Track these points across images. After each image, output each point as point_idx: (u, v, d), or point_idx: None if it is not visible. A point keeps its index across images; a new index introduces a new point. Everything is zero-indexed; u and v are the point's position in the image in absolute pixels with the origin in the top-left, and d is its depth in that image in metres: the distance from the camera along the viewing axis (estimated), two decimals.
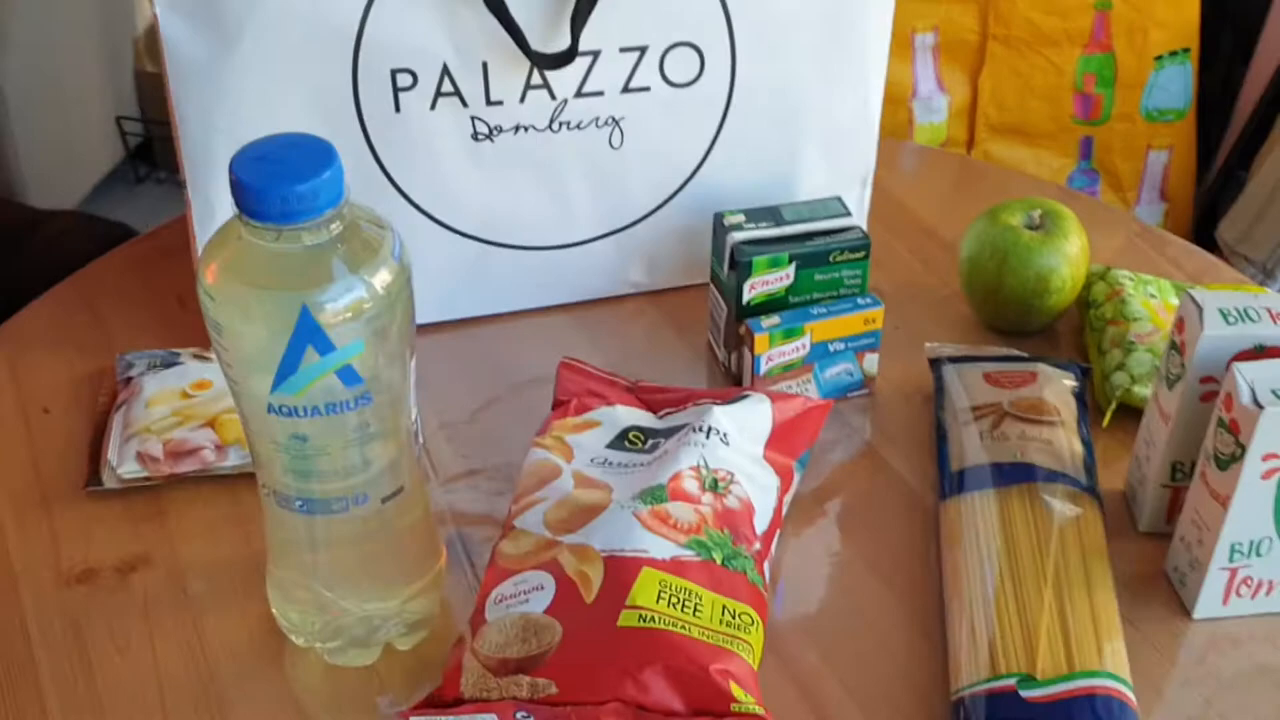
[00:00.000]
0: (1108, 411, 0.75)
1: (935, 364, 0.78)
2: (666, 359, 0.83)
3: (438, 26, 0.74)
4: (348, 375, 0.54)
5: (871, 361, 0.78)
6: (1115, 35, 1.12)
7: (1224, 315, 0.63)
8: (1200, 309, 0.63)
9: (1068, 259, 0.79)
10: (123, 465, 0.72)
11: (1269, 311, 0.63)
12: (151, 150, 2.22)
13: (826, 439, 0.76)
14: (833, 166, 0.85)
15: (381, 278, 0.54)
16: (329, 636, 0.62)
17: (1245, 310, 0.63)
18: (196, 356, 0.81)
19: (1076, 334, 0.84)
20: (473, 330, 0.85)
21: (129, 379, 0.79)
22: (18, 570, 0.69)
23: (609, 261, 0.85)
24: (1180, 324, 0.65)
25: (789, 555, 0.69)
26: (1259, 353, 0.63)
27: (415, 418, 0.61)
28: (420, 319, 0.79)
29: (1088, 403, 0.76)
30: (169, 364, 0.80)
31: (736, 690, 0.56)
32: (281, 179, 0.51)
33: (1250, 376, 0.60)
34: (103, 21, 2.01)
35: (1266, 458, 0.59)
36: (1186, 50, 1.15)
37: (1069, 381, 0.75)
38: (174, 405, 0.76)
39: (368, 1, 0.73)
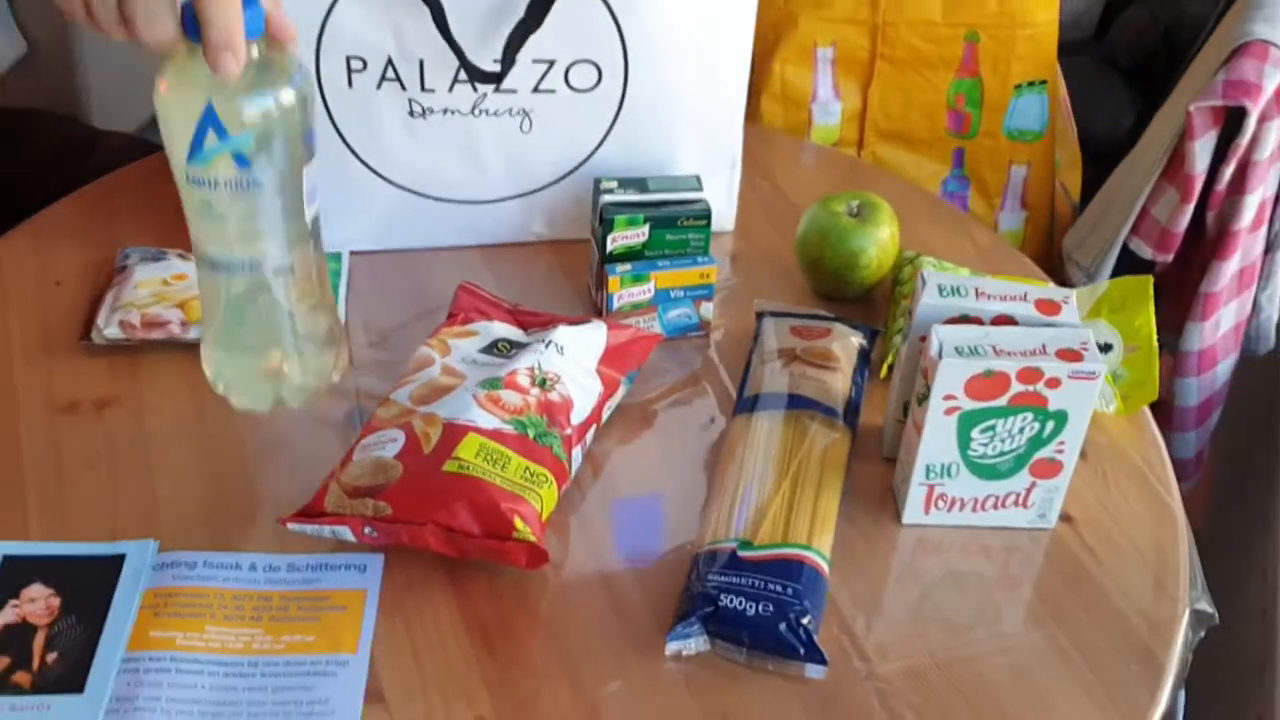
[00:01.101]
0: (884, 365, 0.93)
1: (760, 316, 0.97)
2: (555, 294, 1.03)
3: (384, 30, 0.95)
4: (240, 160, 0.74)
5: (707, 309, 0.97)
6: (982, 63, 1.30)
7: (940, 289, 0.82)
8: (925, 283, 0.82)
9: (877, 242, 0.98)
10: (108, 328, 0.93)
11: (976, 290, 0.82)
12: None
13: (661, 365, 0.95)
14: (705, 153, 1.05)
15: (284, 95, 0.74)
16: (236, 385, 0.84)
17: (958, 288, 0.82)
18: (180, 256, 1.01)
19: (888, 304, 1.02)
20: (402, 259, 1.05)
21: (124, 267, 1.00)
22: (19, 398, 0.90)
23: (515, 216, 1.05)
24: (916, 294, 0.83)
25: (609, 445, 0.89)
26: (962, 320, 0.81)
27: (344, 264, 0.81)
28: (359, 246, 1.02)
29: (871, 358, 0.94)
30: (157, 259, 1.01)
31: (519, 523, 0.75)
32: None
33: (943, 336, 0.78)
34: None
35: (946, 397, 0.78)
36: (1044, 82, 1.32)
37: (856, 339, 0.94)
38: (155, 289, 0.97)
39: (328, 7, 0.93)
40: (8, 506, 0.82)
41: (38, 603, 0.76)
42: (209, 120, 0.73)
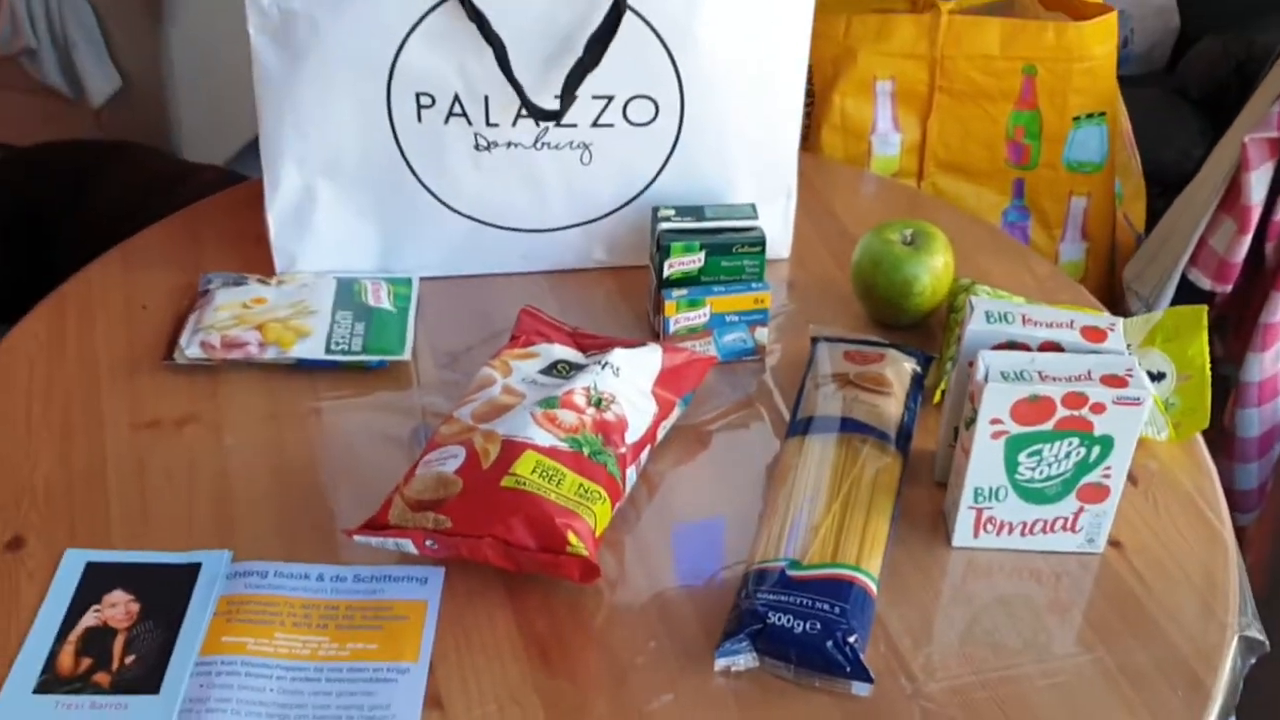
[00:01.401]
0: (937, 391, 0.95)
1: (814, 341, 0.99)
2: (615, 319, 1.06)
3: (451, 69, 0.99)
4: None
5: (762, 333, 0.99)
6: (1040, 96, 1.31)
7: (988, 316, 0.83)
8: (973, 309, 0.84)
9: (930, 270, 0.99)
10: (190, 348, 0.98)
11: (1023, 317, 0.83)
12: None
13: (716, 388, 0.98)
14: (760, 183, 1.07)
15: None
16: None
17: (1005, 314, 0.83)
18: (260, 281, 1.06)
19: (943, 331, 1.04)
20: (470, 284, 1.09)
21: (207, 291, 1.05)
22: (105, 415, 0.94)
23: (576, 244, 1.09)
24: (965, 320, 0.85)
25: (664, 465, 0.91)
26: (1009, 346, 0.82)
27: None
28: (427, 273, 1.06)
29: (925, 383, 0.96)
30: (238, 284, 1.05)
31: (573, 538, 0.78)
32: None
33: (989, 361, 0.80)
34: None
35: (993, 421, 0.79)
36: (1103, 114, 1.33)
37: (910, 365, 0.96)
38: (235, 312, 1.01)
39: (399, 46, 0.98)
40: (93, 517, 0.86)
41: (118, 608, 0.80)
42: None
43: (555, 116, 1.00)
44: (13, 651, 0.77)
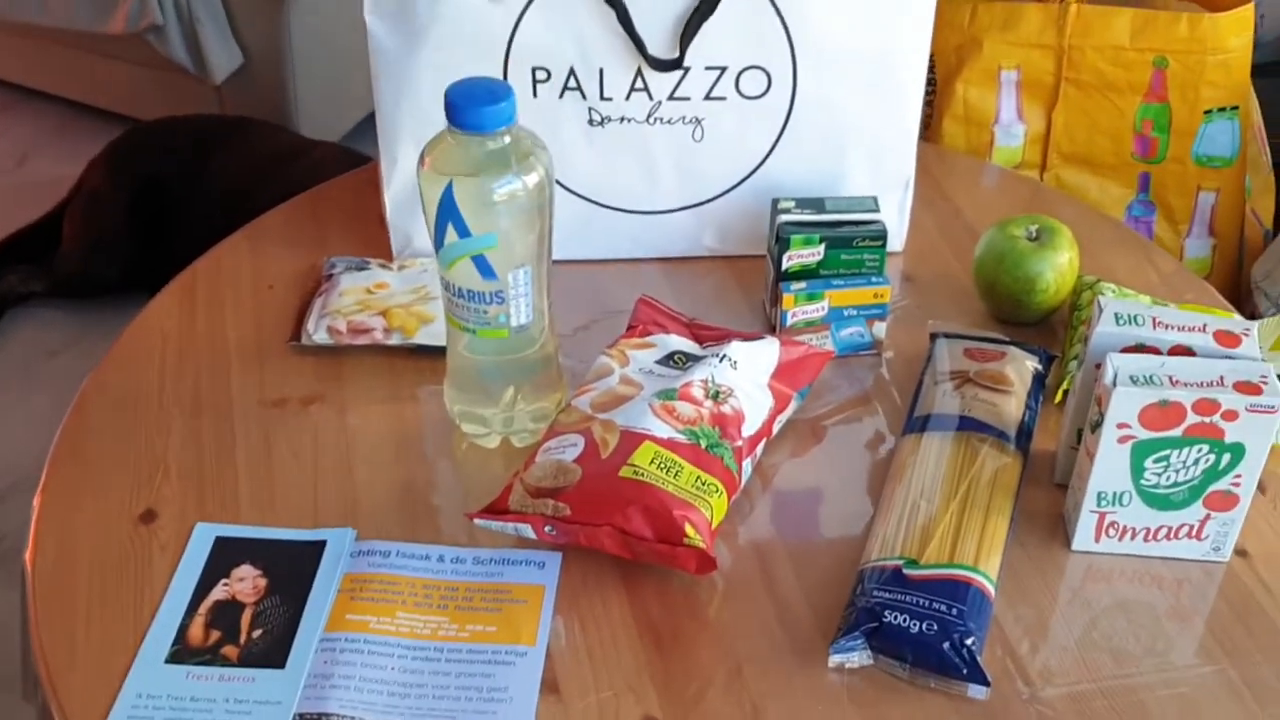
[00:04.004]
0: (1059, 390, 0.93)
1: (934, 337, 0.98)
2: (730, 309, 1.06)
3: (567, 40, 1.00)
4: (483, 266, 0.81)
5: (880, 328, 0.99)
6: (1171, 89, 1.27)
7: (1117, 318, 0.82)
8: (1101, 310, 0.82)
9: (1055, 267, 0.98)
10: (316, 333, 1.00)
11: (1153, 319, 0.81)
12: None
13: (833, 382, 0.97)
14: (875, 171, 1.07)
15: (532, 178, 0.81)
16: (476, 421, 0.91)
17: (1134, 316, 0.82)
18: (381, 265, 1.08)
19: (1066, 329, 1.02)
20: (582, 270, 1.09)
21: (331, 275, 1.07)
22: (234, 394, 0.97)
23: (688, 228, 1.09)
24: (1093, 322, 0.84)
25: (780, 458, 0.91)
26: (1138, 349, 0.81)
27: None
28: None
29: (1046, 382, 0.95)
30: (361, 268, 1.07)
31: (690, 530, 0.79)
32: (478, 102, 0.79)
33: (1117, 364, 0.78)
34: None
35: (1120, 425, 0.78)
36: (1235, 108, 1.28)
37: (1031, 364, 0.94)
38: (359, 297, 1.03)
39: (516, 20, 0.99)
40: (222, 492, 0.89)
41: (246, 582, 0.82)
42: (448, 208, 0.80)
43: (675, 65, 1.00)
44: (146, 622, 0.80)
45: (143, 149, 2.05)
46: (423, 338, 0.99)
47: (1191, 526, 0.82)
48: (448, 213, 0.81)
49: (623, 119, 1.03)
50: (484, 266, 0.83)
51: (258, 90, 2.26)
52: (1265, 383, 0.77)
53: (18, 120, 2.51)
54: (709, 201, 1.08)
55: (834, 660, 0.77)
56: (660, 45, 1.00)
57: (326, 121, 2.34)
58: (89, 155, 2.05)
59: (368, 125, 2.49)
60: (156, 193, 1.98)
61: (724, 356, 0.89)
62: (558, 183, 1.06)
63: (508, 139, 0.80)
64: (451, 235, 0.82)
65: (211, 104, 2.29)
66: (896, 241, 1.10)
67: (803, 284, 0.97)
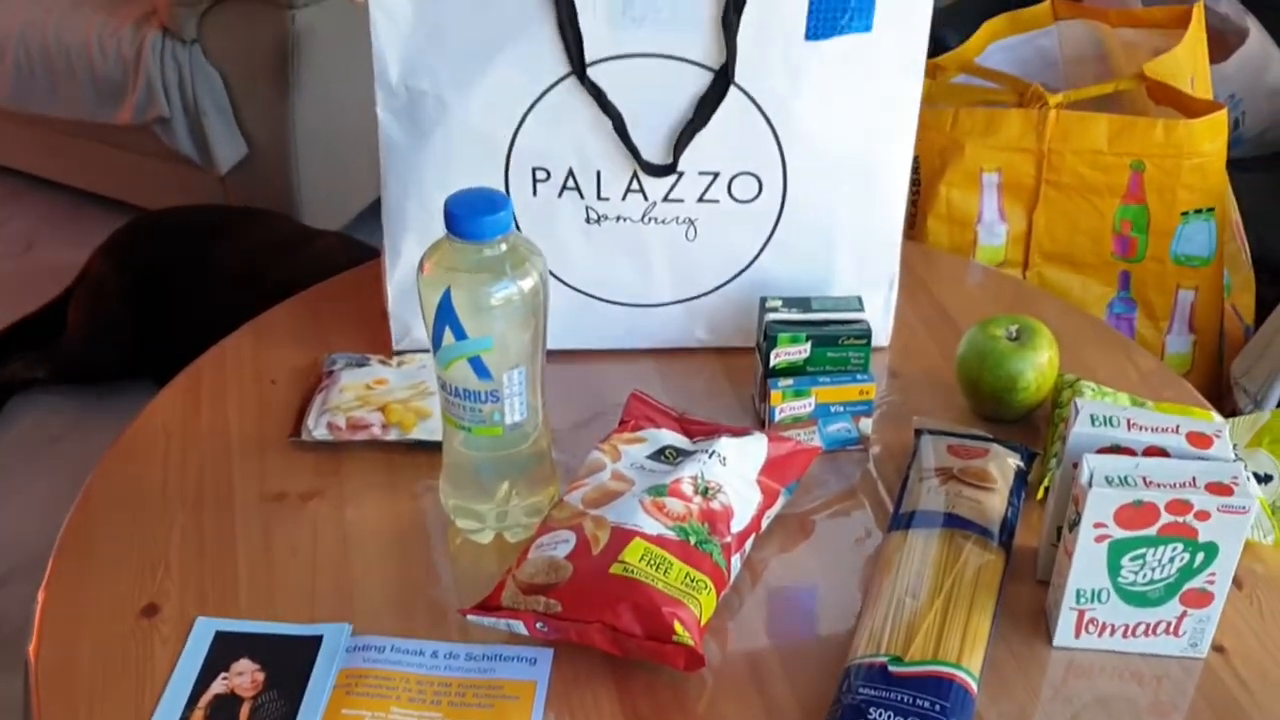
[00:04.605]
0: (1040, 488, 0.96)
1: (918, 433, 1.01)
2: (719, 401, 1.08)
3: (567, 144, 1.04)
4: (479, 367, 0.83)
5: (866, 424, 1.01)
6: (1148, 191, 1.31)
7: (1093, 419, 0.84)
8: (1077, 412, 0.85)
9: (1035, 366, 1.01)
10: (316, 429, 1.03)
11: (1128, 421, 0.84)
12: None
13: (821, 477, 1.00)
14: (861, 270, 1.10)
15: (527, 282, 0.84)
16: (470, 517, 0.93)
17: (1109, 418, 0.84)
18: (381, 361, 1.10)
19: (1048, 426, 1.04)
20: (574, 362, 1.12)
21: (331, 371, 1.09)
22: (235, 488, 0.99)
23: (680, 321, 1.12)
24: (1069, 423, 0.86)
25: (768, 553, 0.93)
26: (1114, 449, 0.83)
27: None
28: None
29: (1028, 479, 0.97)
30: (361, 364, 1.10)
31: (679, 627, 0.80)
32: (476, 212, 0.82)
33: (1093, 465, 0.81)
34: None
35: (1096, 525, 0.80)
36: (1211, 209, 1.33)
37: (1014, 461, 0.97)
38: (358, 393, 1.06)
39: (518, 124, 1.03)
40: (222, 586, 0.91)
41: (245, 676, 0.84)
42: (445, 313, 0.83)
43: (668, 171, 1.04)
44: (146, 715, 0.81)
45: (147, 238, 2.08)
46: (420, 433, 1.01)
47: (1169, 623, 0.84)
48: (445, 316, 0.84)
49: (619, 218, 1.07)
50: (480, 367, 0.85)
51: (262, 181, 2.30)
52: (1236, 484, 0.79)
53: (26, 207, 2.56)
54: (701, 296, 1.11)
55: None
56: (655, 151, 1.04)
57: (329, 211, 2.37)
58: (94, 243, 2.08)
59: (369, 215, 2.54)
60: (160, 281, 2.02)
61: (713, 453, 0.92)
62: (556, 276, 1.09)
63: (504, 246, 0.84)
64: (449, 338, 0.85)
65: (216, 194, 2.33)
66: (882, 337, 1.13)
67: (790, 380, 0.99)
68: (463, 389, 0.87)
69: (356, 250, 1.99)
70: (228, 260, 2.01)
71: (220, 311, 1.34)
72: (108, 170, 2.44)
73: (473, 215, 0.82)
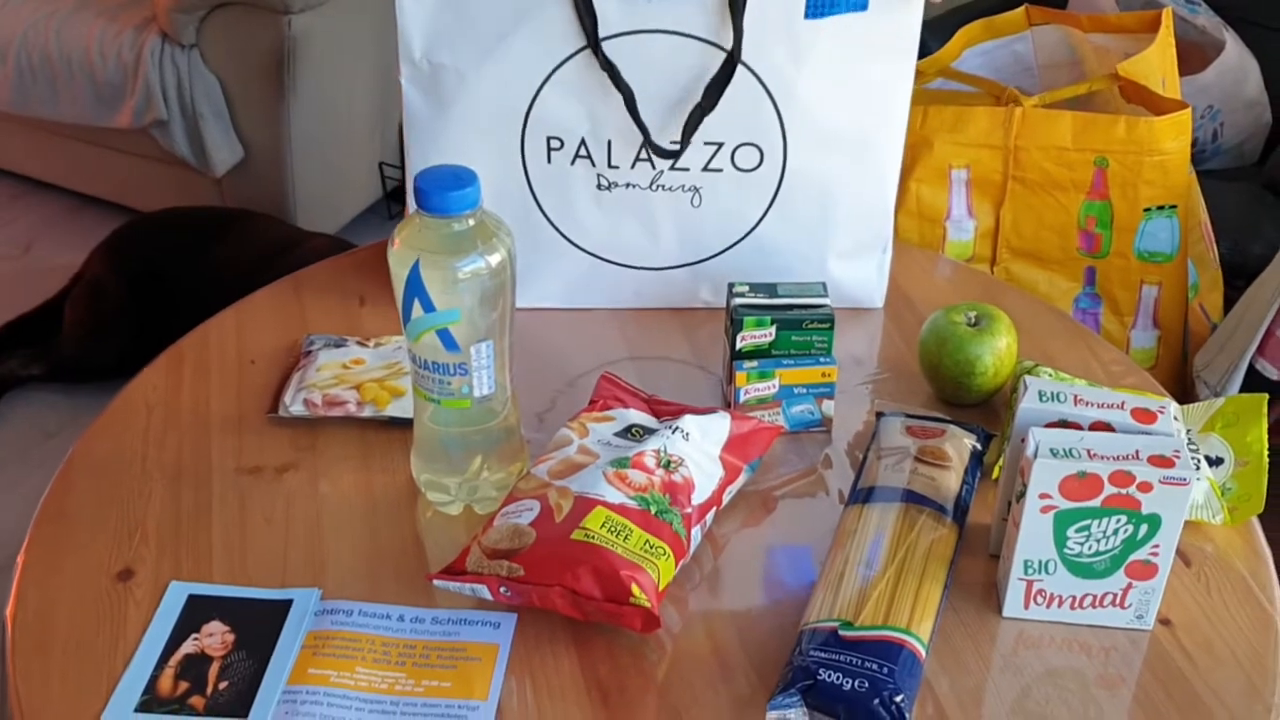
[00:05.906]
0: (995, 467, 0.98)
1: (879, 416, 1.03)
2: (693, 381, 1.11)
3: (580, 115, 1.10)
4: (447, 339, 0.86)
5: (828, 406, 1.04)
6: (1111, 187, 1.34)
7: (1040, 395, 0.87)
8: (1026, 388, 0.87)
9: (994, 351, 1.03)
10: (293, 405, 1.05)
11: (1075, 397, 0.87)
12: (404, 193, 2.60)
13: (783, 456, 1.02)
14: (857, 236, 1.16)
15: (495, 258, 0.86)
16: (440, 490, 0.95)
17: (1057, 394, 0.87)
18: (358, 343, 1.13)
19: (1006, 410, 1.07)
20: (589, 314, 1.19)
21: (310, 351, 1.12)
22: (213, 462, 1.02)
23: (685, 283, 1.18)
24: (1018, 399, 0.89)
25: (730, 528, 0.96)
26: (1061, 424, 0.86)
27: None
28: (549, 304, 1.17)
29: (984, 460, 0.99)
30: (338, 345, 1.13)
31: (636, 590, 0.83)
32: (445, 187, 0.85)
33: (1039, 438, 0.83)
34: (378, 81, 2.38)
35: (1042, 495, 0.83)
36: (1174, 206, 1.35)
37: (970, 441, 0.99)
38: (335, 372, 1.09)
39: (534, 96, 1.09)
40: (196, 553, 0.93)
41: (215, 637, 0.86)
42: (414, 286, 0.86)
43: (675, 155, 1.10)
44: (118, 672, 0.84)
45: (143, 239, 2.11)
46: (394, 410, 1.04)
47: (1115, 595, 0.86)
48: (414, 289, 0.86)
49: (628, 185, 1.13)
50: (448, 340, 0.88)
51: (257, 184, 2.33)
52: (1178, 456, 0.82)
53: (25, 209, 2.59)
54: (706, 260, 1.17)
55: (770, 716, 0.80)
56: (663, 124, 1.10)
57: (323, 215, 2.40)
58: (92, 244, 2.12)
59: (363, 219, 2.57)
60: (155, 282, 2.05)
61: (676, 429, 0.95)
62: (569, 240, 1.15)
63: (472, 222, 0.86)
64: (418, 310, 0.87)
65: (212, 196, 2.36)
66: (876, 298, 1.19)
67: (755, 363, 1.02)
68: (432, 361, 0.90)
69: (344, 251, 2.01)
70: (221, 262, 2.04)
71: (214, 310, 1.36)
72: (106, 173, 2.47)
73: (441, 190, 0.85)
